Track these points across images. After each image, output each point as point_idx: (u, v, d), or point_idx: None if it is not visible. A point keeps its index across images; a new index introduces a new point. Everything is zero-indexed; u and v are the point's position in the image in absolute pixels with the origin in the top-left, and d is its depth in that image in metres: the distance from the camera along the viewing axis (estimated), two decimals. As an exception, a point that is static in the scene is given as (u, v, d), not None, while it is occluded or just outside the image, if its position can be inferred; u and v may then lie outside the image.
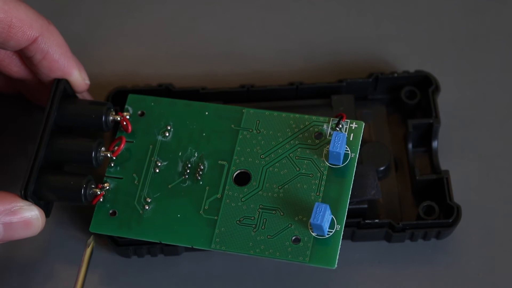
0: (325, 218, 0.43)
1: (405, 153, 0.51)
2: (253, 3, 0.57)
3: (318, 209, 0.43)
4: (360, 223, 0.48)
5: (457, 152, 0.51)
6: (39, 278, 0.49)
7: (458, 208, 0.48)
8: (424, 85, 0.51)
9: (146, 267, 0.49)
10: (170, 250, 0.48)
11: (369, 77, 0.51)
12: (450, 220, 0.48)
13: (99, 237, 0.49)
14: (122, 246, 0.48)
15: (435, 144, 0.50)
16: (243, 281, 0.48)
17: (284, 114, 0.47)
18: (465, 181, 0.50)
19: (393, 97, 0.52)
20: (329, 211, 0.44)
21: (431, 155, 0.50)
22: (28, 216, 0.45)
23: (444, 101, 0.51)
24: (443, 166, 0.50)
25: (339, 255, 0.44)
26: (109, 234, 0.46)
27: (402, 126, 0.51)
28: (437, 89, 0.51)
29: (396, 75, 0.51)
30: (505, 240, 0.49)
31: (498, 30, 0.55)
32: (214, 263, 0.49)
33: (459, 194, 0.49)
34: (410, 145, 0.50)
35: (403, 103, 0.51)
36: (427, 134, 0.50)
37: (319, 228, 0.43)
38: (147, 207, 0.46)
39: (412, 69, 0.52)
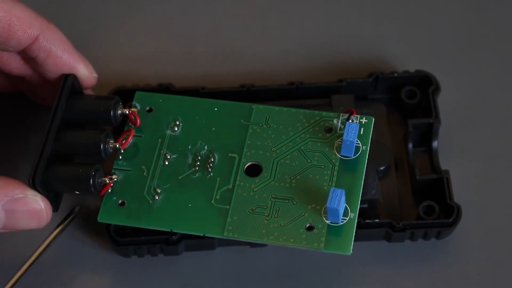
0: (341, 203, 0.43)
1: (405, 153, 0.51)
2: (253, 3, 0.57)
3: (334, 194, 0.43)
4: (360, 223, 0.47)
5: (457, 152, 0.51)
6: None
7: (458, 208, 0.48)
8: (424, 85, 0.51)
9: (146, 267, 0.49)
10: (170, 250, 0.48)
11: (369, 77, 0.51)
12: (450, 220, 0.48)
13: (100, 236, 0.49)
14: (122, 246, 0.48)
15: (435, 144, 0.50)
16: (243, 281, 0.48)
17: (293, 110, 0.47)
18: (465, 181, 0.50)
19: (393, 97, 0.52)
20: (344, 197, 0.44)
21: (431, 155, 0.50)
22: (32, 206, 0.44)
23: (444, 101, 0.51)
24: (443, 166, 0.50)
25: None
26: (118, 223, 0.46)
27: (402, 126, 0.51)
28: (437, 89, 0.51)
29: (396, 75, 0.51)
30: (505, 240, 0.49)
31: (498, 30, 0.55)
32: (214, 263, 0.49)
33: (459, 194, 0.49)
34: (410, 145, 0.50)
35: (403, 103, 0.51)
36: (427, 134, 0.50)
37: (335, 212, 0.43)
38: (156, 198, 0.46)
39: (412, 69, 0.52)
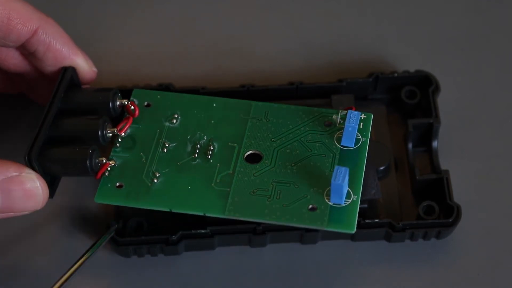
0: (345, 180, 0.43)
1: (405, 153, 0.51)
2: (253, 3, 0.57)
3: (338, 171, 0.43)
4: (360, 223, 0.47)
5: (457, 152, 0.51)
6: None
7: (458, 208, 0.48)
8: (424, 85, 0.51)
9: (146, 267, 0.49)
10: (170, 250, 0.48)
11: (369, 77, 0.52)
12: (450, 220, 0.48)
13: (100, 236, 0.49)
14: (122, 246, 0.48)
15: (435, 144, 0.50)
16: (243, 281, 0.48)
17: (293, 107, 0.47)
18: (465, 181, 0.50)
19: (393, 97, 0.52)
20: (348, 176, 0.43)
21: (431, 155, 0.50)
22: (28, 184, 0.43)
23: (444, 101, 0.51)
24: (443, 166, 0.50)
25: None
26: (115, 204, 0.45)
27: (402, 126, 0.51)
28: (437, 89, 0.51)
29: (396, 75, 0.51)
30: (505, 240, 0.49)
31: (498, 30, 0.55)
32: (214, 263, 0.49)
33: (459, 194, 0.49)
34: (410, 145, 0.50)
35: (403, 103, 0.51)
36: (427, 134, 0.50)
37: (339, 190, 0.43)
38: (155, 181, 0.46)
39: (412, 69, 0.52)
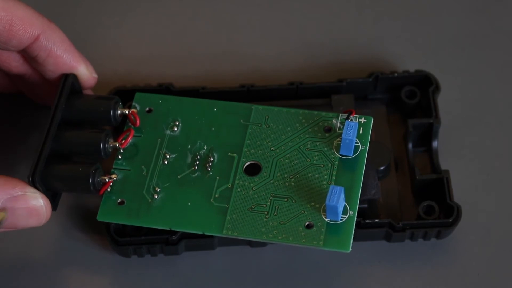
0: (340, 200, 0.43)
1: (405, 153, 0.51)
2: (253, 3, 0.57)
3: (333, 191, 0.43)
4: (360, 223, 0.48)
5: (457, 152, 0.51)
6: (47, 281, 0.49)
7: (458, 208, 0.48)
8: (424, 85, 0.51)
9: (146, 267, 0.49)
10: (170, 250, 0.48)
11: (369, 76, 0.51)
12: (450, 220, 0.48)
13: (100, 236, 0.49)
14: (122, 246, 0.48)
15: (435, 144, 0.50)
16: (243, 281, 0.48)
17: (293, 110, 0.47)
18: (465, 181, 0.50)
19: (393, 96, 0.52)
20: (344, 194, 0.44)
21: (431, 155, 0.50)
22: (32, 203, 0.44)
23: (444, 101, 0.51)
24: (443, 166, 0.50)
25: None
26: (117, 222, 0.46)
27: (402, 126, 0.51)
28: (437, 88, 0.51)
29: (396, 74, 0.51)
30: (505, 240, 0.49)
31: (498, 29, 0.55)
32: (214, 263, 0.49)
33: (459, 194, 0.49)
34: (410, 145, 0.50)
35: (403, 103, 0.51)
36: (427, 134, 0.50)
37: (334, 210, 0.43)
38: (156, 196, 0.46)
39: (412, 68, 0.52)
